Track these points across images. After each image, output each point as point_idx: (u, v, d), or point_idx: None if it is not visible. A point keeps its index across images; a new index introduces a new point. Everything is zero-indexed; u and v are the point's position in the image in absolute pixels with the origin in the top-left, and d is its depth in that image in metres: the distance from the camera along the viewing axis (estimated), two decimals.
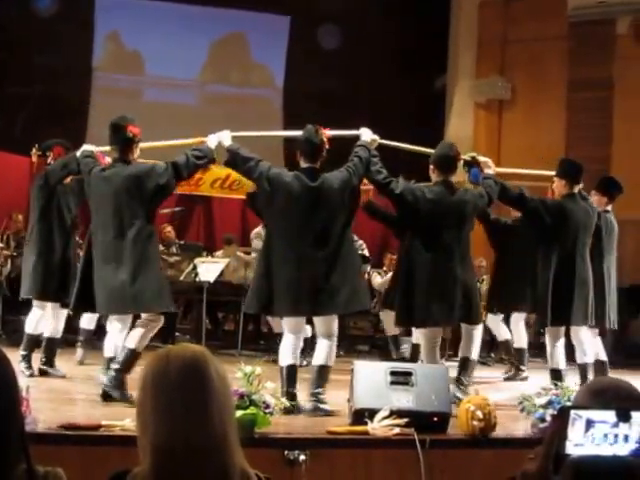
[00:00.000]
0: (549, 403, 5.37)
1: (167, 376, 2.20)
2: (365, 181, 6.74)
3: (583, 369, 7.29)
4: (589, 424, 2.36)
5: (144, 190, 6.17)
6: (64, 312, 7.59)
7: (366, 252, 11.14)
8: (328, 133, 6.45)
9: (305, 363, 7.58)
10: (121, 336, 6.30)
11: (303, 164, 6.28)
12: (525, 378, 8.51)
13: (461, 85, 14.65)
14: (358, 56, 14.58)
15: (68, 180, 7.53)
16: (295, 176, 6.17)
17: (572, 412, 2.36)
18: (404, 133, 14.12)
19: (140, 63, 14.96)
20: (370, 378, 5.34)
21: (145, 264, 6.15)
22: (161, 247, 10.94)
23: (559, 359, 7.02)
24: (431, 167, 6.99)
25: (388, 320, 9.56)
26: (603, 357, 7.78)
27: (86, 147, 6.76)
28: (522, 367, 8.63)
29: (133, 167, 6.30)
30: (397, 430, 5.02)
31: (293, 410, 5.67)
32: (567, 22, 13.91)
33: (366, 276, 11.22)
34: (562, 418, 2.38)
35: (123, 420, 4.83)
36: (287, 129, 13.37)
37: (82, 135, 13.79)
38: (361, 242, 10.89)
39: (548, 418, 5.24)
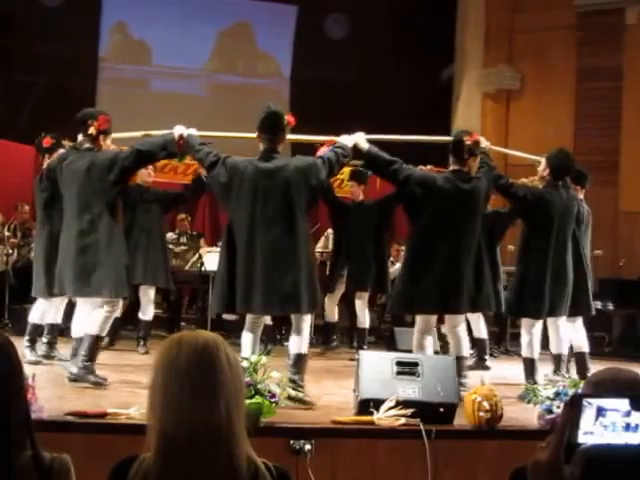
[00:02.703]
0: (556, 394, 5.35)
1: (177, 361, 2.22)
2: None
3: (557, 359, 7.26)
4: (600, 412, 2.35)
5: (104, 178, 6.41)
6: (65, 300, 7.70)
7: None
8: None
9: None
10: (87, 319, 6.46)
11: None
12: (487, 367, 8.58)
13: (469, 75, 14.61)
14: (365, 46, 14.54)
15: None
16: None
17: (583, 400, 2.35)
18: (411, 123, 14.12)
19: (147, 53, 14.96)
20: (376, 368, 5.33)
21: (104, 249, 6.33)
22: (173, 236, 10.94)
23: (535, 349, 7.00)
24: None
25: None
26: (585, 348, 7.76)
27: None
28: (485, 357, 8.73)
29: (99, 154, 6.57)
30: (403, 420, 5.01)
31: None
32: (576, 12, 13.88)
33: None
34: (573, 407, 2.37)
35: (129, 408, 4.85)
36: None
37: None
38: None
39: (555, 410, 5.23)
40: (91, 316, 6.34)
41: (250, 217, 5.88)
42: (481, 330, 8.83)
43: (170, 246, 10.61)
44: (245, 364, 4.86)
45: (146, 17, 14.61)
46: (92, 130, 6.53)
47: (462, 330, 6.65)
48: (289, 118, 6.20)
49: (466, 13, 14.76)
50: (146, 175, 9.16)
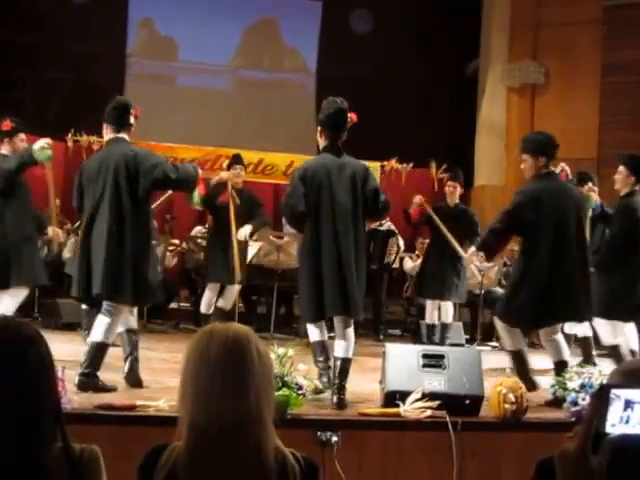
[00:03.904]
0: (582, 387, 5.36)
1: (208, 353, 2.24)
2: None
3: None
4: (628, 404, 2.34)
5: None
6: None
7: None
8: None
9: None
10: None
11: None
12: None
13: (494, 70, 14.56)
14: (390, 41, 14.54)
15: None
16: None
17: (611, 392, 2.35)
18: (437, 118, 14.17)
19: (173, 49, 15.03)
20: (402, 361, 5.35)
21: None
22: (202, 230, 10.99)
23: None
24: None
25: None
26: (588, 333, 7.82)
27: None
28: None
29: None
30: (429, 412, 5.03)
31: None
32: (601, 5, 13.79)
33: (394, 248, 11.31)
34: (601, 397, 2.37)
35: (157, 401, 4.89)
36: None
37: None
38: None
39: (581, 402, 5.24)
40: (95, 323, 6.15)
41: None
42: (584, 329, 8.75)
43: (198, 240, 10.70)
44: (272, 356, 4.89)
45: (172, 13, 14.67)
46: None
47: (560, 336, 6.53)
48: (352, 115, 6.08)
49: (491, 8, 14.71)
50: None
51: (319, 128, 6.12)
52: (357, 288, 5.74)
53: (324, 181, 5.87)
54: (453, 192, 9.99)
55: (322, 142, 6.09)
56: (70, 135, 11.89)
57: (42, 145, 6.64)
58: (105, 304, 6.00)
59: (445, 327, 9.76)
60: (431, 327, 9.89)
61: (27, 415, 2.11)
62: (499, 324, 6.61)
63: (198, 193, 8.54)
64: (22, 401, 2.10)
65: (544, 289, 6.26)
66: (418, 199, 9.72)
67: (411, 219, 9.87)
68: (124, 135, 6.22)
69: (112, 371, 6.14)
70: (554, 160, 6.59)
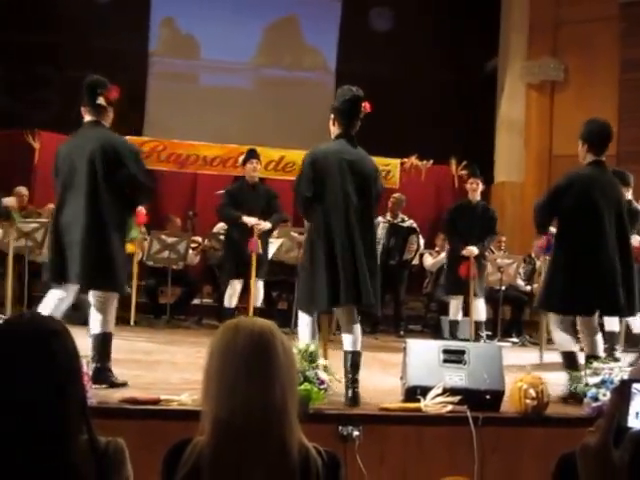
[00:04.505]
0: (602, 382, 5.37)
1: (234, 346, 2.24)
2: None
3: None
4: None
5: None
6: None
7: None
8: None
9: None
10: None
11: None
12: None
13: (513, 67, 14.53)
14: (410, 39, 14.53)
15: None
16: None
17: (633, 386, 2.35)
18: (456, 115, 14.16)
19: (195, 48, 15.09)
20: (423, 356, 5.37)
21: None
22: (225, 226, 11.05)
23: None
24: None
25: None
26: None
27: None
28: None
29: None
30: (450, 407, 5.05)
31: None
32: (618, 2, 13.71)
33: (414, 246, 11.34)
34: (622, 392, 2.37)
35: (180, 395, 4.94)
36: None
37: (140, 119, 13.99)
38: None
39: (601, 397, 5.24)
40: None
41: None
42: (612, 323, 8.75)
43: (221, 237, 10.76)
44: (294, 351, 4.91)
45: (194, 12, 14.73)
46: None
47: (598, 333, 6.49)
48: (366, 104, 5.94)
49: (510, 5, 14.67)
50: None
51: (332, 116, 6.00)
52: (370, 279, 5.64)
53: (334, 168, 5.77)
54: (475, 189, 10.03)
55: (335, 130, 5.96)
56: None
57: None
58: (92, 295, 5.90)
59: (478, 325, 9.81)
60: (455, 324, 9.93)
61: (53, 407, 2.13)
62: (551, 322, 6.59)
63: (137, 228, 8.61)
64: (48, 393, 2.13)
65: (577, 276, 6.25)
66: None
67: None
68: (100, 119, 6.11)
69: (120, 366, 6.21)
70: (604, 149, 6.50)
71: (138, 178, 5.95)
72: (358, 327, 5.72)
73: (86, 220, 5.79)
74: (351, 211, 5.72)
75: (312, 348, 5.14)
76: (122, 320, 9.41)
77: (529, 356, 8.89)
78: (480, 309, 9.82)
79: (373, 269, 5.74)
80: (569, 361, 6.30)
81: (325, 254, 5.66)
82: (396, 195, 11.57)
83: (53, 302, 5.85)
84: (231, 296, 9.38)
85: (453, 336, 9.65)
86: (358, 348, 5.61)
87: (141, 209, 7.52)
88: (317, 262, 5.72)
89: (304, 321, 5.88)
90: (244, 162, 9.83)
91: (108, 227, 5.85)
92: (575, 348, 6.38)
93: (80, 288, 5.95)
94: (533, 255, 11.77)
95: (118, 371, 6.13)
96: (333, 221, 5.70)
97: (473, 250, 9.62)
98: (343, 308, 5.73)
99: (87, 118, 6.15)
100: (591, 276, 6.24)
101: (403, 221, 11.29)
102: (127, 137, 12.36)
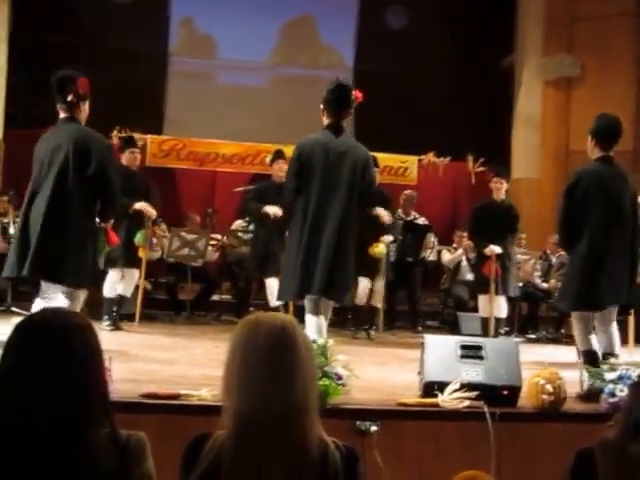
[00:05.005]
0: (619, 378, 5.37)
1: (256, 341, 2.27)
2: None
3: None
4: None
5: None
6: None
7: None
8: None
9: None
10: None
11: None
12: None
13: (529, 63, 14.51)
14: (426, 36, 14.53)
15: None
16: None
17: None
18: (473, 112, 14.16)
19: (213, 47, 15.13)
20: (440, 352, 5.37)
21: None
22: (243, 223, 11.09)
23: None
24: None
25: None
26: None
27: None
28: None
29: None
30: (467, 403, 5.06)
31: None
32: None
33: (430, 244, 11.39)
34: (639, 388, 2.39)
35: (200, 390, 4.96)
36: (357, 110, 13.39)
37: (160, 118, 14.06)
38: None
39: (619, 393, 5.25)
40: None
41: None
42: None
43: (239, 234, 10.82)
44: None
45: (212, 12, 14.77)
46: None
47: (615, 327, 6.50)
48: (356, 93, 6.03)
49: (526, 2, 14.66)
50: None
51: (321, 106, 6.06)
52: (336, 272, 5.81)
53: (319, 159, 5.86)
54: (499, 188, 10.04)
55: (325, 121, 6.04)
56: (115, 132, 12.06)
57: None
58: (58, 289, 5.93)
59: (498, 321, 9.83)
60: (485, 321, 9.96)
61: (74, 400, 2.16)
62: (573, 320, 6.59)
63: (143, 232, 8.81)
64: (69, 386, 2.17)
65: (591, 271, 6.27)
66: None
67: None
68: (73, 115, 6.15)
69: (139, 361, 6.22)
70: (611, 144, 6.49)
71: (107, 172, 6.00)
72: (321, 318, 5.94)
73: (47, 211, 5.82)
74: (333, 202, 5.81)
75: (330, 343, 5.18)
76: (146, 317, 9.56)
77: (546, 352, 8.90)
78: (502, 307, 9.84)
79: (342, 261, 5.88)
80: (589, 358, 6.31)
81: (297, 244, 5.85)
82: (407, 192, 11.58)
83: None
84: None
85: (485, 333, 9.67)
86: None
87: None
88: (290, 251, 5.95)
89: (310, 318, 6.04)
90: (271, 162, 9.91)
91: (70, 220, 5.87)
92: (596, 346, 6.37)
93: (30, 280, 6.02)
94: (548, 252, 11.80)
95: (137, 366, 6.22)
96: (310, 212, 5.84)
97: (495, 249, 9.64)
98: (309, 297, 5.94)
99: (61, 115, 6.20)
100: (601, 271, 6.25)
101: (416, 218, 11.31)
102: (147, 136, 12.55)
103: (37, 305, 5.95)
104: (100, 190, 6.02)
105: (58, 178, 5.89)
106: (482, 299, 9.94)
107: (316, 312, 6.07)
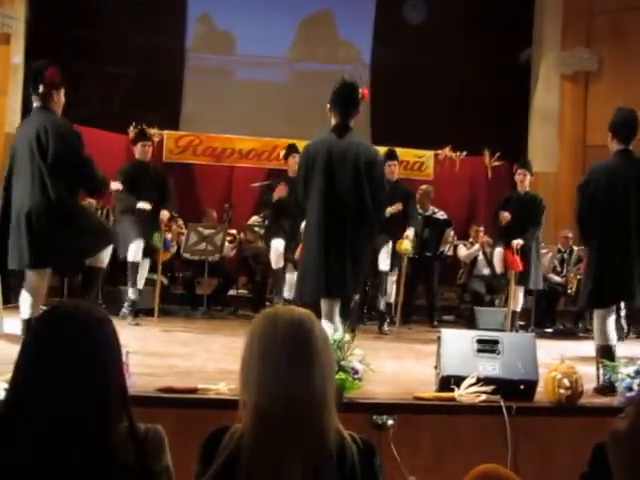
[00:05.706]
0: (636, 372, 5.37)
1: (274, 334, 2.26)
2: None
3: None
4: None
5: None
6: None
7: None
8: None
9: None
10: None
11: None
12: None
13: (547, 57, 14.45)
14: (443, 31, 14.50)
15: None
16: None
17: None
18: (490, 106, 14.12)
19: (231, 43, 15.12)
20: (457, 346, 5.39)
21: None
22: (258, 219, 11.11)
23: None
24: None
25: None
26: None
27: None
28: None
29: None
30: (483, 397, 5.07)
31: None
32: None
33: (449, 239, 11.42)
34: None
35: (217, 384, 5.00)
36: (374, 105, 13.42)
37: (177, 114, 14.09)
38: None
39: (635, 387, 5.25)
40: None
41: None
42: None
43: (256, 229, 10.85)
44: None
45: (229, 8, 14.77)
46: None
47: (612, 320, 6.45)
48: (363, 91, 6.01)
49: None
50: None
51: (328, 106, 6.06)
52: (348, 271, 5.86)
53: (324, 163, 5.86)
54: (523, 180, 10.15)
55: (333, 121, 6.04)
56: (132, 128, 12.10)
57: None
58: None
59: (514, 314, 9.84)
60: (515, 314, 9.99)
61: (93, 393, 2.18)
62: (594, 317, 6.58)
63: (158, 234, 8.83)
64: (89, 379, 2.18)
65: (603, 267, 6.25)
66: None
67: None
68: (45, 105, 6.20)
69: (157, 356, 6.24)
70: (630, 138, 6.41)
71: (81, 155, 6.12)
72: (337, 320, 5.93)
73: (29, 202, 5.96)
74: (334, 203, 5.82)
75: (347, 338, 5.19)
76: (163, 312, 9.59)
77: (563, 346, 8.88)
78: (519, 299, 9.86)
79: (343, 258, 5.88)
80: (606, 353, 6.30)
81: (308, 248, 5.96)
82: (423, 187, 11.58)
83: None
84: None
85: (513, 326, 9.72)
86: None
87: None
88: (303, 255, 6.06)
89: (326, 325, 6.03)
90: (285, 157, 9.92)
91: (47, 208, 5.97)
92: (613, 341, 6.33)
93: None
94: (559, 246, 11.81)
95: (155, 361, 6.25)
96: (315, 215, 5.88)
97: (517, 242, 9.68)
98: (324, 300, 5.99)
99: (34, 104, 6.29)
100: (612, 267, 6.24)
101: (434, 213, 11.33)
102: (164, 132, 12.59)
103: (23, 297, 6.11)
104: (72, 173, 6.13)
105: (31, 168, 6.04)
106: (497, 252, 10.10)
107: (331, 317, 6.04)
